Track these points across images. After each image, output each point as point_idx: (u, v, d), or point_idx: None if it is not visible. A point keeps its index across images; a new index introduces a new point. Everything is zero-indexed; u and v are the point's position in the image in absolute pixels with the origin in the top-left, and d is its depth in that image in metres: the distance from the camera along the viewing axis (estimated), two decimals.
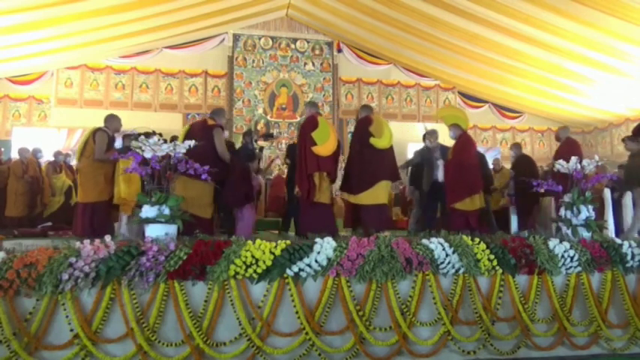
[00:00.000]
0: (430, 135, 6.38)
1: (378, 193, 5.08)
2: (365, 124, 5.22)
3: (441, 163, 6.06)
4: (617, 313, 3.76)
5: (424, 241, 3.56)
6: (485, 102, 13.45)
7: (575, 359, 3.57)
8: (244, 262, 3.17)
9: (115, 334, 3.01)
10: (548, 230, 5.88)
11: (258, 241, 3.31)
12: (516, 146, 7.68)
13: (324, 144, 4.86)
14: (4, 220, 7.65)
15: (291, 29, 12.52)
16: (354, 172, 5.19)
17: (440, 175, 6.03)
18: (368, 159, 5.04)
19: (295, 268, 3.25)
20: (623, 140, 6.43)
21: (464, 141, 5.79)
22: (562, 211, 4.39)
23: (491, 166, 8.13)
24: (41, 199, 8.14)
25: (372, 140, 5.02)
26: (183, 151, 3.75)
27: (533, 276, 3.62)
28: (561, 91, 11.42)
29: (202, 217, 4.56)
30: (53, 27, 9.15)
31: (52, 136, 10.72)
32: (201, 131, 4.84)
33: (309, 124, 5.01)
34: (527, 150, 13.64)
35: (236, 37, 12.20)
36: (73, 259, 2.99)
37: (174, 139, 4.96)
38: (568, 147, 6.35)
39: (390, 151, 5.23)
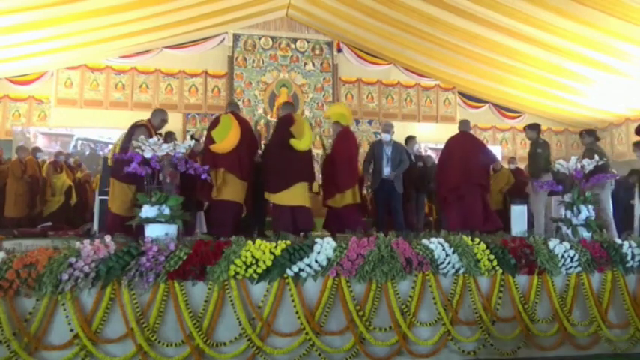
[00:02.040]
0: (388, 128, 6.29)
1: (295, 194, 4.98)
2: (286, 123, 5.14)
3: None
4: (617, 313, 3.76)
5: (424, 241, 3.56)
6: (486, 102, 13.44)
7: (575, 359, 3.58)
8: (244, 262, 3.17)
9: (115, 334, 3.01)
10: (549, 231, 5.89)
11: (258, 241, 3.31)
12: None
13: (222, 141, 4.82)
14: (4, 221, 7.65)
15: (291, 29, 12.50)
16: (272, 170, 5.09)
17: (386, 172, 5.94)
18: (287, 159, 4.94)
19: (295, 268, 3.25)
20: (525, 129, 6.80)
21: (339, 137, 5.76)
22: (562, 211, 4.39)
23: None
24: (41, 198, 8.13)
25: (292, 142, 4.93)
26: (184, 151, 3.76)
27: (533, 276, 3.62)
28: (561, 91, 11.42)
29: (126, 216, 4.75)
30: (53, 27, 9.14)
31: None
32: (129, 130, 5.02)
33: (212, 125, 5.09)
34: (527, 150, 13.64)
35: (236, 37, 12.20)
36: (73, 259, 2.99)
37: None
38: (455, 140, 6.23)
39: (308, 152, 5.14)
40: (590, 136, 6.46)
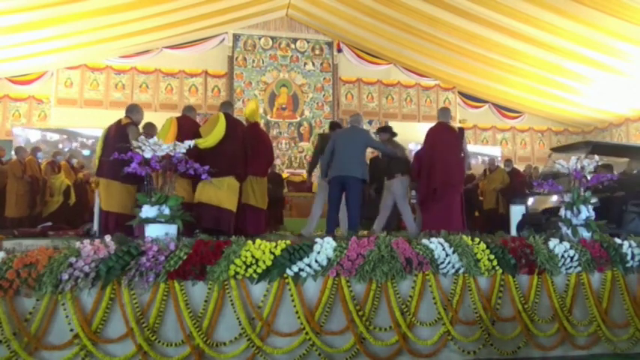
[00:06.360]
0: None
1: (201, 191, 4.97)
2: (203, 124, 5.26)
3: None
4: (617, 313, 3.76)
5: (424, 241, 3.56)
6: (485, 102, 13.45)
7: (575, 359, 3.58)
8: (244, 262, 3.16)
9: (115, 334, 3.01)
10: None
11: (258, 241, 3.31)
12: None
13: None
14: (5, 221, 7.65)
15: (291, 29, 12.51)
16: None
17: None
18: (196, 159, 4.70)
19: (295, 268, 3.24)
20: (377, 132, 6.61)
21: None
22: (562, 211, 4.37)
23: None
24: (41, 198, 8.14)
25: (196, 141, 4.79)
26: (183, 151, 3.76)
27: (533, 276, 3.61)
28: (561, 91, 11.43)
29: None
30: (53, 27, 9.15)
31: None
32: (116, 131, 5.11)
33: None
34: (527, 150, 13.66)
35: (236, 37, 12.20)
36: (73, 259, 2.99)
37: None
38: (434, 134, 5.68)
39: (225, 148, 4.99)
40: (385, 132, 6.31)
